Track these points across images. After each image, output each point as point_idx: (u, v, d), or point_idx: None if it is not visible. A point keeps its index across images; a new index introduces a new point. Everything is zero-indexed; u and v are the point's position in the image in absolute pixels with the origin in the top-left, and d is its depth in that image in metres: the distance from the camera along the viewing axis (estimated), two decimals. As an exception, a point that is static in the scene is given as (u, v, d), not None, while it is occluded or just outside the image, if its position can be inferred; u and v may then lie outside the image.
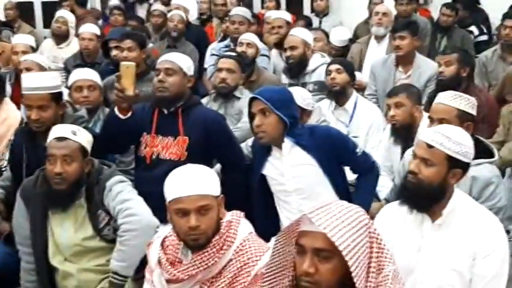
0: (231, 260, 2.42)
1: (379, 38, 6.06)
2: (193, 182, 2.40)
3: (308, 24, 7.04)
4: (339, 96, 4.67)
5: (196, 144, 3.57)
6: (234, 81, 4.54)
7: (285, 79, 5.29)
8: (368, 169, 3.49)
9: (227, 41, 6.25)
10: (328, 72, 4.71)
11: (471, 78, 4.79)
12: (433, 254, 2.58)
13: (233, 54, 4.73)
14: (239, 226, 2.48)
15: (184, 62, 3.70)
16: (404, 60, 5.26)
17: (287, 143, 3.31)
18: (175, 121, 3.60)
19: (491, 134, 4.27)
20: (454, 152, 2.53)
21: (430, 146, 2.54)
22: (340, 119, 4.65)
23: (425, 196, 2.55)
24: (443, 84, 4.46)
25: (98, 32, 6.11)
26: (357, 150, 3.43)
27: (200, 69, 6.23)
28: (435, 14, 8.10)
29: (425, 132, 2.64)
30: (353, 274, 1.88)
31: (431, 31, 6.93)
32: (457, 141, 2.54)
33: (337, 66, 4.70)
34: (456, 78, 4.52)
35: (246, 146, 3.96)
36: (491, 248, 2.51)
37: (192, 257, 2.44)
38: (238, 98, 4.55)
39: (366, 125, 4.56)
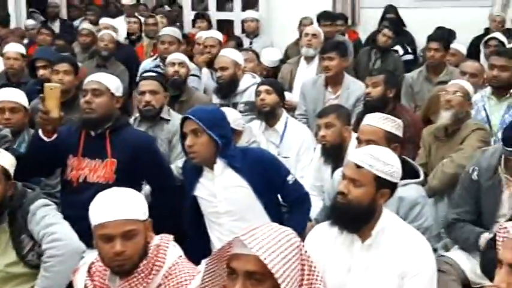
0: (160, 285, 2.37)
1: (309, 59, 6.13)
2: (118, 206, 2.34)
3: (239, 45, 7.08)
4: (269, 117, 4.67)
5: (125, 167, 3.50)
6: (158, 102, 4.41)
7: (215, 99, 5.28)
8: (299, 200, 3.46)
9: (157, 61, 6.19)
10: (257, 93, 4.70)
11: (397, 99, 4.88)
12: (362, 274, 2.59)
13: (153, 74, 4.61)
14: (168, 250, 2.43)
15: (112, 82, 3.64)
16: (333, 81, 5.33)
17: (219, 164, 3.28)
18: (103, 143, 3.52)
19: (417, 154, 4.34)
20: (382, 173, 2.56)
21: (358, 167, 2.56)
22: (271, 140, 4.65)
23: (354, 217, 2.57)
24: (370, 105, 4.53)
25: (23, 51, 5.97)
26: (289, 177, 3.41)
27: (130, 89, 6.15)
28: (363, 36, 8.30)
29: (354, 153, 2.66)
30: None
31: (367, 52, 7.06)
32: (385, 162, 2.58)
33: (266, 87, 4.69)
34: (383, 99, 4.58)
35: (175, 167, 3.92)
36: (419, 268, 2.54)
37: (119, 283, 2.38)
38: (167, 121, 4.44)
39: (296, 146, 4.58)
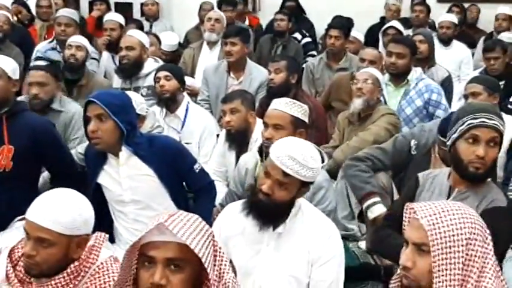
0: (86, 283, 2.28)
1: (212, 44, 6.09)
2: (45, 210, 2.19)
3: (139, 28, 6.92)
4: (169, 103, 4.59)
5: (23, 154, 3.36)
6: (47, 94, 4.12)
7: (117, 83, 5.15)
8: (205, 188, 3.43)
9: (53, 43, 5.96)
10: (157, 80, 4.62)
11: (299, 84, 4.95)
12: (272, 260, 2.60)
13: (43, 64, 4.32)
14: (101, 250, 2.33)
15: (8, 65, 3.48)
16: (236, 67, 5.33)
17: (124, 151, 3.19)
18: (0, 129, 3.36)
19: (318, 139, 4.42)
20: (307, 178, 2.55)
21: (286, 174, 2.51)
22: (172, 126, 4.59)
23: (276, 214, 2.57)
24: (273, 91, 4.60)
25: None
26: (195, 166, 3.37)
27: (25, 73, 5.89)
28: (264, 22, 8.35)
29: (280, 157, 2.53)
30: (211, 281, 1.87)
31: (269, 38, 7.09)
32: (310, 168, 2.54)
33: (165, 73, 4.60)
34: (286, 84, 4.65)
35: (76, 153, 3.79)
36: (328, 255, 2.58)
37: (45, 280, 2.25)
38: (59, 112, 4.17)
39: (198, 131, 4.54)
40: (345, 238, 3.68)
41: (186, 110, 4.62)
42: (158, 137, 3.71)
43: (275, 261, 2.60)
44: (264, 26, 8.32)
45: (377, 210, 3.47)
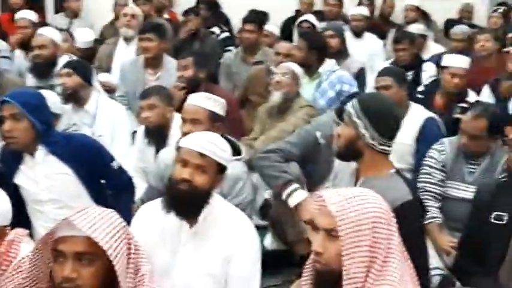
0: (7, 277, 2.27)
1: (128, 40, 6.05)
2: None
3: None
4: (73, 99, 4.53)
5: None
6: None
7: (31, 82, 5.07)
8: (124, 185, 3.44)
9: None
10: (59, 76, 4.58)
11: (209, 79, 5.01)
12: (189, 258, 2.62)
13: None
14: (21, 245, 2.33)
15: None
16: (152, 62, 5.32)
17: (41, 151, 3.17)
18: None
19: (233, 131, 4.47)
20: (222, 159, 2.61)
21: (202, 155, 2.56)
22: (83, 121, 4.53)
23: (197, 202, 2.58)
24: (183, 87, 4.66)
25: None
26: (114, 163, 3.38)
27: None
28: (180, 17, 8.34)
29: (193, 141, 2.61)
30: (118, 274, 1.91)
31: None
32: (222, 149, 2.62)
33: (67, 70, 4.53)
34: (195, 80, 4.71)
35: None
36: (244, 251, 2.62)
37: None
38: None
39: (109, 123, 4.50)
40: (264, 227, 3.80)
41: (96, 103, 4.56)
42: (75, 135, 3.70)
43: (193, 260, 2.62)
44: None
45: (298, 196, 3.46)
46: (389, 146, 2.73)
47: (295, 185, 3.49)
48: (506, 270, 2.77)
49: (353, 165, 2.84)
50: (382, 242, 1.89)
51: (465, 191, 3.57)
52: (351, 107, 2.76)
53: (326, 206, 1.91)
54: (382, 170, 2.72)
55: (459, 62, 4.76)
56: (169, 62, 5.38)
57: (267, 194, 3.80)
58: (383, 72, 4.29)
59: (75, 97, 4.51)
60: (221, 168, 2.64)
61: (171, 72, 5.26)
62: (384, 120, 2.70)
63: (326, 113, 4.02)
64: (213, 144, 2.60)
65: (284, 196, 3.49)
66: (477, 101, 4.32)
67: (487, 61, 5.68)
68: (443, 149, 3.68)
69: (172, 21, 7.92)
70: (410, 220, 2.46)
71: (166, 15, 7.92)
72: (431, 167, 3.67)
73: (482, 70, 5.52)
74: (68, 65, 4.67)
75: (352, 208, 1.88)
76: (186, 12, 7.27)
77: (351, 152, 2.77)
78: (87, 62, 4.93)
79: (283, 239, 3.65)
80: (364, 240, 1.87)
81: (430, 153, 3.72)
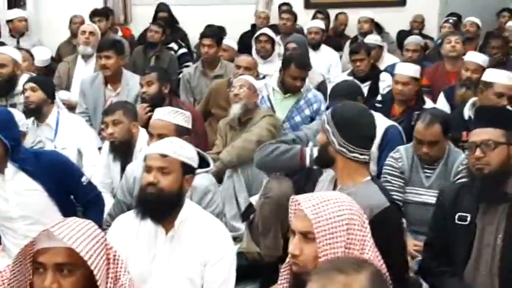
0: None
1: (87, 57, 6.06)
2: None
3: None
4: (37, 114, 4.55)
5: None
6: None
7: (-9, 101, 5.03)
8: (93, 200, 3.47)
9: None
10: (23, 91, 4.58)
11: (172, 93, 5.05)
12: (166, 264, 2.68)
13: None
14: None
15: None
16: (112, 78, 5.34)
17: (10, 168, 3.17)
18: None
19: (198, 144, 4.51)
20: (186, 158, 2.69)
21: (164, 156, 2.65)
22: (45, 136, 4.53)
23: (166, 205, 2.65)
24: (147, 103, 4.71)
25: None
26: (83, 179, 3.41)
27: None
28: (135, 33, 8.36)
29: (154, 146, 2.74)
30: (98, 284, 1.93)
31: (142, 50, 7.12)
32: (185, 148, 2.71)
33: (31, 84, 4.56)
34: (159, 95, 4.74)
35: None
36: (219, 255, 2.68)
37: None
38: None
39: (72, 137, 4.51)
40: (233, 239, 3.83)
41: (57, 118, 4.58)
42: (44, 152, 3.70)
43: (170, 265, 2.68)
44: (136, 37, 8.34)
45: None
46: (361, 154, 2.80)
47: (309, 147, 3.40)
48: (471, 269, 2.86)
49: (332, 173, 2.90)
50: (357, 243, 1.96)
51: (424, 195, 3.68)
52: (325, 114, 2.86)
53: (302, 210, 1.97)
54: (358, 177, 2.78)
55: (403, 69, 4.91)
56: (128, 77, 5.41)
57: (252, 199, 3.82)
58: (334, 93, 4.23)
59: (37, 112, 4.52)
60: (187, 168, 2.69)
61: (130, 86, 5.30)
62: (351, 128, 2.77)
63: (316, 122, 4.05)
64: (173, 144, 2.68)
65: (308, 162, 3.33)
66: (424, 110, 4.35)
67: (454, 64, 5.79)
68: (400, 156, 3.78)
69: (127, 37, 7.96)
70: (390, 226, 2.54)
71: (120, 33, 7.95)
72: (390, 174, 3.77)
73: (447, 75, 5.70)
74: (32, 80, 4.69)
75: (327, 211, 1.95)
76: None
77: (324, 158, 2.84)
78: (50, 79, 4.91)
79: (257, 243, 3.69)
80: (339, 242, 1.94)
81: (388, 161, 3.82)
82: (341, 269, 1.58)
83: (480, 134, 2.85)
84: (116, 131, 4.03)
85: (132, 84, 5.33)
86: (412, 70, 4.88)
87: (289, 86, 4.96)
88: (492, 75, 4.53)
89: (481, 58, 5.25)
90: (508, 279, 2.79)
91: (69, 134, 4.52)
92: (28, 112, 4.52)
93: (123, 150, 4.07)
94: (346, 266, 1.59)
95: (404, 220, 3.56)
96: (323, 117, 2.87)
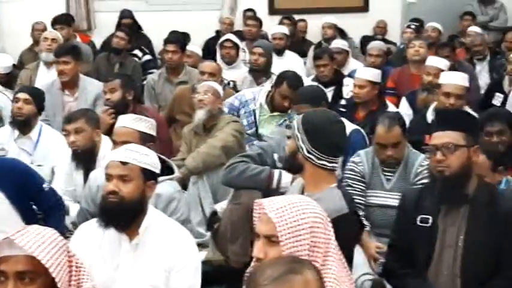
0: None
1: (49, 64, 5.98)
2: None
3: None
4: (24, 125, 4.50)
5: None
6: None
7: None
8: (54, 207, 3.46)
9: None
10: (15, 100, 4.52)
11: (136, 100, 5.04)
12: (130, 272, 2.67)
13: None
14: None
15: None
16: (69, 83, 5.31)
17: None
18: None
19: (163, 150, 4.49)
20: (147, 164, 2.68)
21: (124, 163, 2.64)
22: (23, 148, 4.48)
23: (128, 213, 2.64)
24: (112, 111, 4.66)
25: None
26: (44, 185, 3.39)
27: None
28: (99, 40, 8.31)
29: (114, 153, 2.73)
30: None
31: (105, 57, 7.08)
32: (145, 154, 2.70)
33: (26, 96, 4.51)
34: (123, 102, 4.72)
35: None
36: (184, 262, 2.68)
37: None
38: None
39: (52, 153, 4.45)
40: (198, 245, 3.82)
41: (40, 131, 4.53)
42: (5, 159, 3.66)
43: (134, 273, 2.66)
44: (99, 44, 8.28)
45: (286, 176, 3.43)
46: (330, 162, 2.82)
47: (277, 170, 3.48)
48: (433, 271, 2.90)
49: (302, 181, 2.93)
50: (321, 246, 1.97)
51: (386, 198, 3.72)
52: (295, 121, 2.88)
53: (266, 213, 1.98)
54: (324, 185, 2.81)
55: (361, 73, 5.01)
56: (86, 81, 5.39)
57: (217, 206, 3.81)
58: (299, 100, 4.25)
59: (24, 125, 4.49)
60: (149, 174, 2.68)
61: (88, 90, 5.29)
62: (319, 135, 2.81)
63: (278, 131, 4.07)
64: (133, 152, 2.67)
65: (275, 184, 3.44)
66: (381, 114, 4.38)
67: (419, 67, 5.85)
68: (360, 160, 3.82)
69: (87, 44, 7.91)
70: (343, 233, 2.55)
71: (79, 39, 7.90)
72: (351, 178, 3.79)
73: (412, 78, 5.78)
74: (26, 90, 4.64)
75: (291, 214, 1.96)
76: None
77: (293, 164, 2.87)
78: (42, 91, 4.85)
79: (223, 252, 3.68)
80: (303, 244, 1.95)
81: (349, 166, 3.86)
82: (294, 270, 1.65)
83: (441, 137, 2.89)
84: (78, 139, 3.99)
85: (90, 88, 5.32)
86: (369, 74, 4.97)
87: (278, 105, 4.87)
88: (442, 77, 4.71)
89: (442, 62, 5.35)
90: (470, 279, 2.84)
91: (47, 151, 4.45)
92: (16, 123, 4.48)
93: (85, 159, 4.03)
94: (296, 266, 1.68)
95: (367, 223, 3.61)
96: (293, 123, 2.89)
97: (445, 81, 4.65)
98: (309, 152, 2.79)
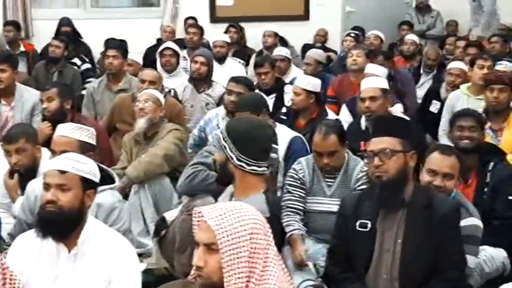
0: None
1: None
2: None
3: None
4: None
5: None
6: None
7: None
8: None
9: None
10: None
11: (75, 109, 4.98)
12: (69, 283, 2.62)
13: None
14: None
15: None
16: (5, 92, 5.21)
17: None
18: None
19: (103, 160, 4.42)
20: (86, 173, 2.65)
21: (62, 172, 2.60)
22: None
23: (67, 223, 2.60)
24: (49, 119, 4.61)
25: None
26: None
27: None
28: (38, 47, 8.16)
29: (53, 162, 2.69)
30: None
31: (43, 65, 6.96)
32: (84, 163, 2.67)
33: None
34: (60, 111, 4.64)
35: None
36: (124, 272, 2.64)
37: None
38: None
39: None
40: (139, 255, 3.78)
41: None
42: None
43: (73, 284, 2.62)
44: (39, 52, 8.14)
45: None
46: (259, 167, 2.85)
47: None
48: (372, 274, 2.95)
49: (232, 189, 2.95)
50: (260, 252, 1.99)
51: (327, 204, 3.75)
52: (220, 131, 2.88)
53: (205, 221, 1.98)
54: (252, 191, 2.84)
55: (298, 81, 5.09)
56: (22, 89, 5.31)
57: (167, 214, 3.76)
58: (239, 108, 4.27)
59: None
60: (88, 183, 2.66)
61: (25, 98, 5.21)
62: (247, 142, 2.84)
63: (213, 139, 4.06)
64: (71, 160, 2.64)
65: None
66: (318, 122, 4.42)
67: (358, 76, 5.89)
68: (301, 168, 3.84)
69: (29, 52, 7.77)
70: None
71: (22, 48, 7.76)
72: (291, 185, 3.81)
73: (352, 86, 5.86)
74: None
75: (230, 221, 1.97)
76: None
77: (225, 175, 2.88)
78: None
79: (168, 259, 3.65)
80: (242, 251, 1.96)
81: (290, 173, 3.88)
82: None
83: (378, 143, 2.95)
84: (21, 159, 3.87)
85: (26, 96, 5.24)
86: (304, 82, 5.04)
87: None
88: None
89: (380, 70, 5.45)
90: (408, 282, 2.90)
91: None
92: None
93: (27, 177, 3.88)
94: None
95: (303, 228, 3.63)
96: (218, 134, 2.90)
97: (361, 87, 4.77)
98: (239, 160, 2.82)
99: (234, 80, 5.05)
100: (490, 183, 3.78)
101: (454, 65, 6.11)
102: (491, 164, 3.82)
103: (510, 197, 3.77)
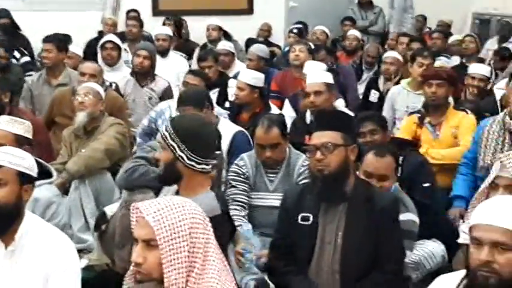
0: None
1: None
2: None
3: None
4: None
5: None
6: None
7: None
8: None
9: None
10: None
11: (15, 102, 4.93)
12: (6, 280, 2.56)
13: None
14: None
15: None
16: None
17: None
18: None
19: (42, 154, 4.32)
20: (22, 167, 2.57)
21: None
22: None
23: (3, 218, 2.52)
24: None
25: None
26: None
27: None
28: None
29: None
30: None
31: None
32: (21, 157, 2.58)
33: None
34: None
35: None
36: (63, 268, 2.58)
37: None
38: None
39: None
40: (79, 251, 3.72)
41: None
42: None
43: (10, 280, 2.56)
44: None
45: None
46: (207, 164, 2.83)
47: None
48: (314, 267, 2.98)
49: (175, 187, 2.91)
50: (200, 247, 1.97)
51: (269, 199, 3.77)
52: (165, 130, 2.84)
53: (143, 217, 1.95)
54: (200, 189, 2.82)
55: (241, 75, 5.10)
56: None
57: (107, 208, 3.69)
58: (180, 103, 4.23)
59: None
60: (25, 178, 2.59)
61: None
62: (196, 140, 2.80)
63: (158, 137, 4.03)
64: (7, 154, 2.57)
65: None
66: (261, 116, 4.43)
67: (300, 71, 5.86)
68: (244, 164, 3.85)
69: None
70: (217, 233, 2.57)
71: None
72: (234, 180, 3.82)
73: (295, 81, 5.88)
74: None
75: (169, 217, 1.94)
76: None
77: (172, 175, 2.84)
78: None
79: (109, 254, 3.59)
80: (182, 246, 1.94)
81: (233, 168, 3.88)
82: None
83: (320, 137, 2.97)
84: None
85: None
86: (248, 77, 5.05)
87: None
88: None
89: (319, 67, 5.49)
90: (348, 275, 2.93)
91: None
92: None
93: None
94: None
95: (249, 225, 3.63)
96: (163, 133, 2.85)
97: (306, 82, 4.82)
98: (189, 159, 2.79)
99: (192, 72, 5.03)
100: (404, 175, 3.81)
101: (388, 54, 6.32)
102: (401, 158, 3.85)
103: (424, 185, 3.83)
